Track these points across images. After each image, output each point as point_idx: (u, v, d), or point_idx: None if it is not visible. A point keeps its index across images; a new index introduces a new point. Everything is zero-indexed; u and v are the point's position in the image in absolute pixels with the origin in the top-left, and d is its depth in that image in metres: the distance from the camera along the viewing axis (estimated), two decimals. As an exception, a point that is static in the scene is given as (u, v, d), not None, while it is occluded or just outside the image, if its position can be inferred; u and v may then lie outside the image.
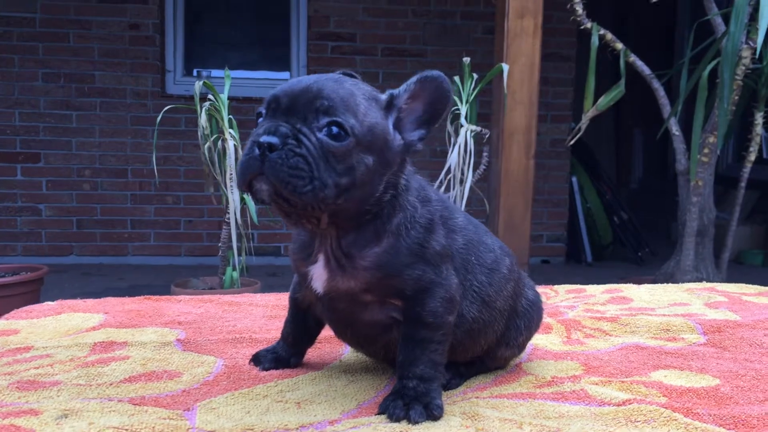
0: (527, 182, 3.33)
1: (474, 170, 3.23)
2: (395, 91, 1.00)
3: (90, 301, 1.71)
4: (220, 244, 3.12)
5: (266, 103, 0.96)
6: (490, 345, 1.17)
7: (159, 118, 3.16)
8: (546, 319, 1.54)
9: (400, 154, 1.00)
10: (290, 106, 0.93)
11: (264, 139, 0.89)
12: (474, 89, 3.24)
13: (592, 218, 5.32)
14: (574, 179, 5.28)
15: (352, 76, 1.05)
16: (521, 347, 1.24)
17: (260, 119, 0.97)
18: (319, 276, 1.03)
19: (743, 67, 3.04)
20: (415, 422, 0.95)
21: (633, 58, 3.34)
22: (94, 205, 4.85)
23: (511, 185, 3.31)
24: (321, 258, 1.02)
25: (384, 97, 1.00)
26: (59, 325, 1.49)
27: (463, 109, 3.25)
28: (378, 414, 0.98)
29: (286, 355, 1.23)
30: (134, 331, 1.45)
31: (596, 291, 1.89)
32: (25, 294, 3.24)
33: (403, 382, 1.02)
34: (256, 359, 1.24)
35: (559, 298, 1.81)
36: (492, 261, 1.13)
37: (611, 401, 1.07)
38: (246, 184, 0.92)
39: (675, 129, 3.38)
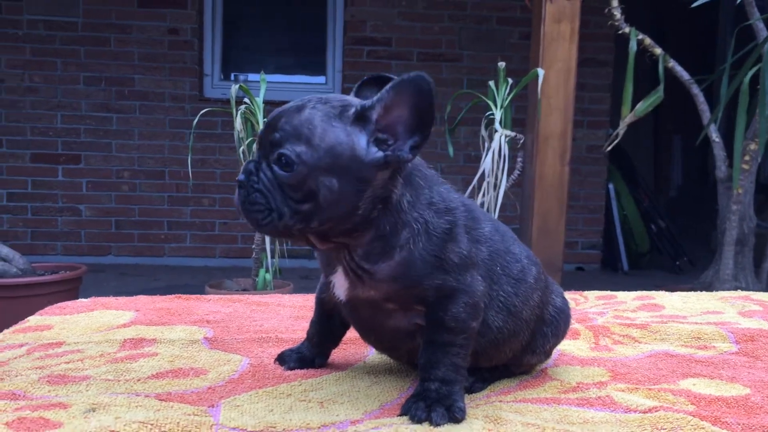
0: (562, 188, 3.29)
1: (508, 175, 3.20)
2: (366, 102, 0.96)
3: (122, 299, 1.73)
4: (253, 246, 3.14)
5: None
6: (515, 353, 1.16)
7: (195, 121, 3.20)
8: (574, 325, 1.53)
9: (379, 168, 0.96)
10: (262, 142, 0.98)
11: (238, 177, 0.98)
12: (509, 94, 3.22)
13: (628, 226, 5.24)
14: (610, 186, 5.21)
15: (386, 79, 1.00)
16: (547, 354, 1.22)
17: None
18: (340, 285, 1.05)
19: (786, 72, 2.97)
20: (437, 424, 0.95)
21: (672, 63, 3.29)
22: (133, 206, 4.93)
23: (545, 190, 3.27)
24: (340, 269, 1.04)
25: (351, 110, 0.96)
26: (91, 322, 1.52)
27: (498, 114, 3.23)
28: (400, 415, 0.98)
29: (311, 355, 1.23)
30: (163, 328, 1.47)
31: (627, 298, 1.86)
32: (63, 292, 3.30)
33: (425, 384, 1.02)
34: (281, 359, 1.24)
35: (588, 304, 1.79)
36: (518, 271, 1.12)
37: (637, 408, 1.05)
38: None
39: (715, 136, 3.32)
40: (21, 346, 1.34)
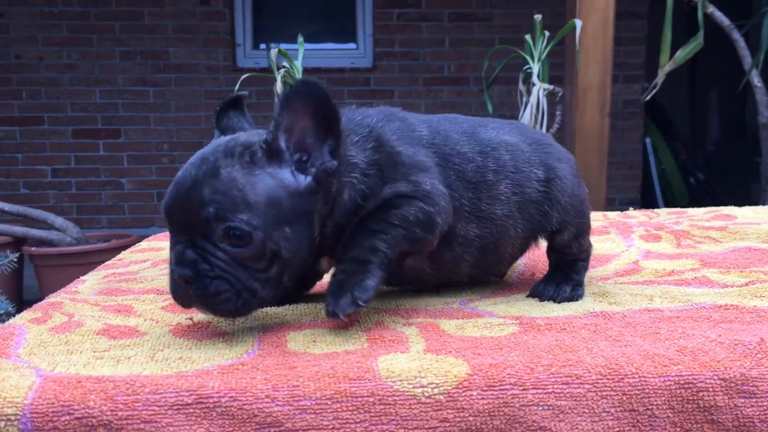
0: (602, 140, 3.28)
1: (547, 130, 3.21)
2: (266, 135, 0.89)
3: None
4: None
5: (163, 215, 0.90)
6: (523, 245, 1.14)
7: (237, 88, 3.24)
8: (653, 231, 1.61)
9: (315, 192, 0.91)
10: (184, 222, 0.87)
11: (178, 272, 0.86)
12: (546, 47, 3.21)
13: (667, 180, 5.21)
14: (647, 140, 5.17)
15: (240, 99, 1.01)
16: (576, 223, 1.13)
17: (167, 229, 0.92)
18: (326, 264, 1.04)
19: (830, 12, 2.93)
20: (346, 315, 0.88)
21: (711, 8, 3.25)
22: (173, 178, 5.00)
23: (585, 143, 3.27)
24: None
25: (259, 150, 0.89)
26: None
27: (535, 68, 3.23)
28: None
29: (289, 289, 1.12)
30: None
31: (698, 212, 1.92)
32: (114, 259, 3.38)
33: (337, 267, 0.95)
34: None
35: (661, 218, 1.84)
36: (474, 172, 1.04)
37: (734, 284, 1.14)
38: (185, 307, 0.91)
39: (757, 80, 3.28)
40: (144, 261, 1.45)
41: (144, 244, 1.66)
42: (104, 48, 4.86)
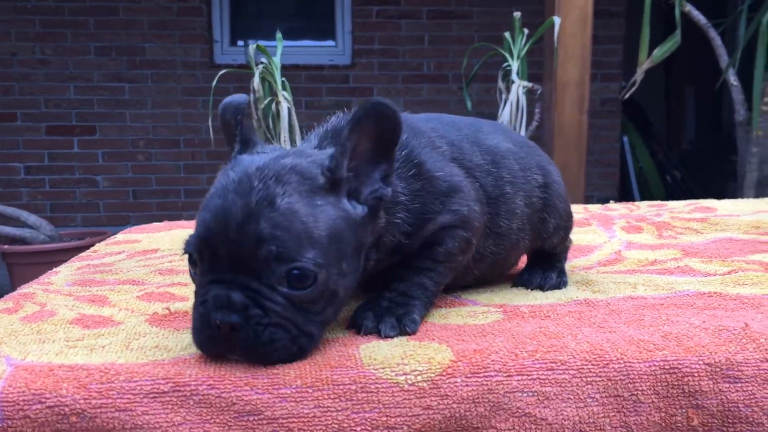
0: (581, 138, 3.30)
1: (526, 127, 3.21)
2: (332, 164, 0.80)
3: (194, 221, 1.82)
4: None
5: (195, 248, 0.78)
6: (522, 254, 1.14)
7: (214, 84, 3.20)
8: (634, 223, 1.63)
9: (369, 220, 0.84)
10: (231, 258, 0.75)
11: (220, 318, 0.74)
12: (525, 45, 3.22)
13: (644, 178, 5.24)
14: (625, 139, 5.21)
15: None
16: (563, 226, 1.14)
17: (193, 265, 0.81)
18: None
19: (805, 11, 2.96)
20: (386, 336, 0.84)
21: (689, 7, 3.27)
22: (149, 176, 4.95)
23: (564, 140, 3.28)
24: None
25: (321, 180, 0.80)
26: (175, 237, 1.62)
27: (515, 65, 3.23)
28: (348, 328, 0.89)
29: None
30: None
31: (678, 204, 1.94)
32: (89, 257, 3.33)
33: (382, 293, 0.92)
34: None
35: (642, 210, 1.87)
36: (493, 186, 1.01)
37: (716, 272, 1.15)
38: (213, 355, 0.79)
39: (733, 79, 3.31)
40: (119, 253, 1.43)
41: (119, 236, 1.63)
42: (79, 43, 4.79)
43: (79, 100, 4.83)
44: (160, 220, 5.05)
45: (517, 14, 3.22)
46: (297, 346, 0.77)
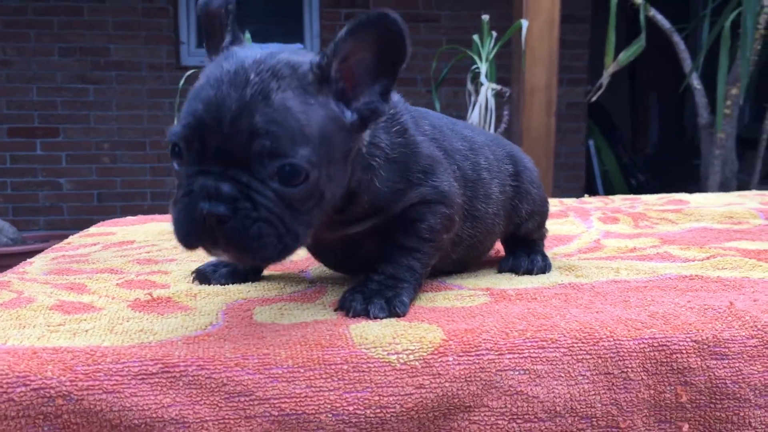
0: (549, 139, 3.34)
1: (495, 129, 3.23)
2: (322, 61, 0.79)
3: (167, 215, 1.80)
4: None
5: (183, 138, 0.75)
6: (497, 239, 1.16)
7: (181, 85, 3.17)
8: (610, 214, 1.66)
9: (358, 128, 0.83)
10: (222, 151, 0.73)
11: (208, 208, 0.72)
12: (493, 47, 3.24)
13: (609, 181, 5.32)
14: (590, 142, 5.28)
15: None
16: (538, 212, 1.16)
17: (176, 157, 0.77)
18: None
19: (765, 16, 3.03)
20: (376, 317, 0.84)
21: (653, 12, 3.33)
22: (114, 178, 4.87)
23: (532, 142, 3.31)
24: None
25: (310, 76, 0.79)
26: (150, 229, 1.60)
27: (483, 68, 3.26)
28: (336, 309, 0.89)
29: (244, 269, 1.06)
30: None
31: (651, 198, 1.98)
32: (54, 259, 3.27)
33: (370, 275, 0.91)
34: (202, 275, 1.05)
35: (617, 203, 1.89)
36: (471, 170, 1.03)
37: (695, 258, 1.17)
38: (193, 249, 0.77)
39: (697, 83, 3.38)
40: (94, 244, 1.42)
41: (92, 229, 1.60)
42: (42, 44, 4.70)
43: (42, 102, 4.74)
44: (126, 224, 4.94)
45: (485, 17, 3.25)
46: (282, 245, 0.75)
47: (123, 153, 4.84)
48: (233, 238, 0.73)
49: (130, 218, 1.76)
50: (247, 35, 3.17)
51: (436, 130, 1.01)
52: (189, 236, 0.75)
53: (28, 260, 1.22)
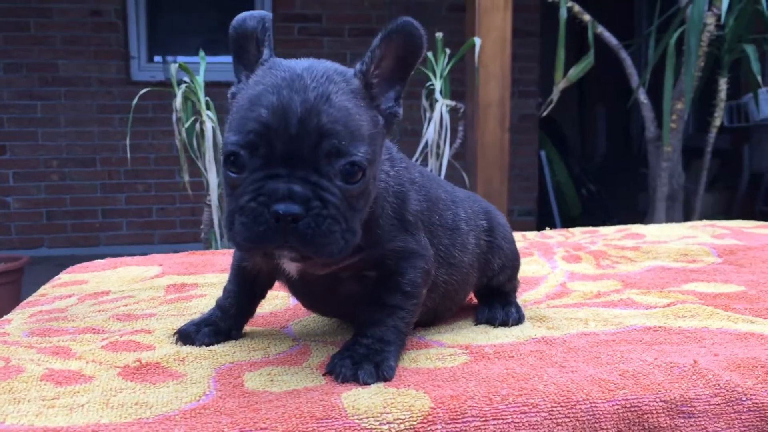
0: (503, 154, 3.41)
1: (450, 144, 3.28)
2: (363, 68, 0.85)
3: (139, 258, 1.78)
4: (202, 227, 3.11)
5: (248, 145, 0.78)
6: (471, 291, 1.19)
7: (134, 103, 3.13)
8: (573, 252, 1.71)
9: (384, 133, 0.88)
10: (292, 154, 0.77)
11: (283, 209, 0.75)
12: (447, 64, 3.29)
13: (561, 191, 5.44)
14: (542, 154, 5.39)
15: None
16: (511, 266, 1.19)
17: (233, 165, 0.79)
18: (292, 263, 0.90)
19: (708, 34, 3.15)
20: (365, 383, 0.84)
21: (601, 29, 3.43)
22: (64, 196, 4.78)
23: (487, 157, 3.38)
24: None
25: (356, 82, 0.84)
26: (122, 275, 1.56)
27: (438, 84, 3.30)
28: (325, 374, 0.88)
29: (226, 327, 1.06)
30: (197, 276, 1.53)
31: (609, 231, 2.05)
32: (5, 284, 3.21)
33: (357, 339, 0.92)
34: (185, 335, 1.03)
35: (577, 238, 1.94)
36: (452, 220, 1.06)
37: (656, 305, 1.22)
38: (260, 254, 0.84)
39: (643, 97, 3.49)
40: (69, 296, 1.39)
41: (64, 277, 1.58)
42: (-14, 60, 4.59)
43: (-13, 119, 4.63)
44: (76, 243, 4.89)
45: (439, 35, 3.29)
46: (344, 240, 0.79)
47: (72, 170, 4.76)
48: (306, 235, 0.76)
49: (98, 262, 1.74)
50: (201, 53, 3.15)
51: (425, 178, 1.05)
52: (260, 238, 0.77)
53: (6, 317, 1.21)
